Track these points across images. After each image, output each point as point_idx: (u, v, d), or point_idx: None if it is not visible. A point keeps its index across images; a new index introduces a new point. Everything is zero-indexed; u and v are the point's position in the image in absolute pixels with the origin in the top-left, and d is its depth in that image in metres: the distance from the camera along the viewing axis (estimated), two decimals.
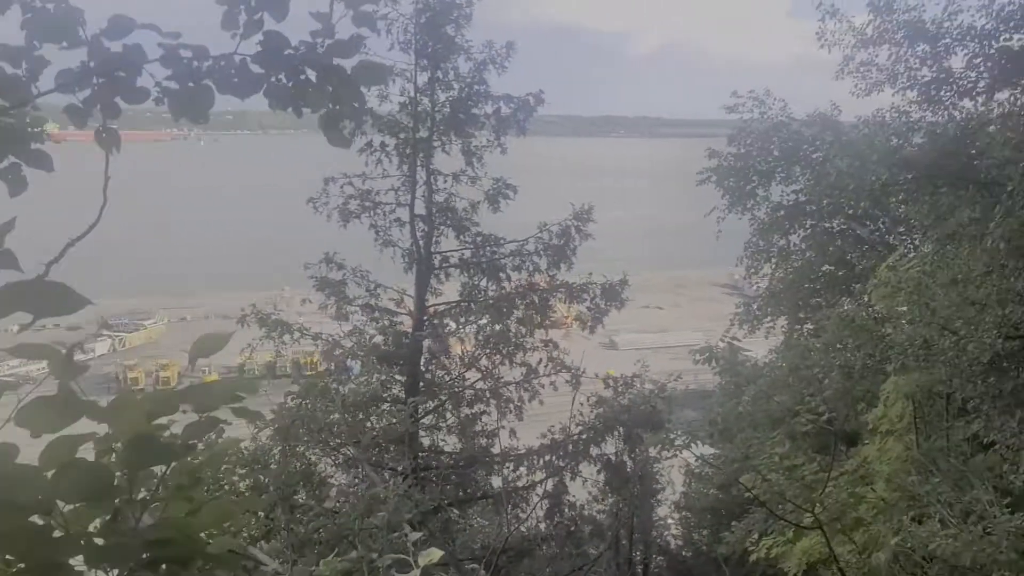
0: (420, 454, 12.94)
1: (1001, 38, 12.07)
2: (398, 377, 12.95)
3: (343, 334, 13.54)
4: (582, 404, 13.67)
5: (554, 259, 13.83)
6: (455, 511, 13.52)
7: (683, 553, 22.27)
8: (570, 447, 13.34)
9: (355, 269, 13.63)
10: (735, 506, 17.90)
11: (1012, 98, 11.96)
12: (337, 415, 11.05)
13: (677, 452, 16.56)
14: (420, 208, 13.05)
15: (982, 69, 12.35)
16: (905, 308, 12.85)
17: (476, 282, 13.85)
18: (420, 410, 13.24)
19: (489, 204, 13.19)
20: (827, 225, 29.65)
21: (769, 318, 33.78)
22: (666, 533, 22.73)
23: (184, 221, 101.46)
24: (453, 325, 13.35)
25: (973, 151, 12.04)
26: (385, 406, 12.80)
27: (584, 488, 14.39)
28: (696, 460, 18.89)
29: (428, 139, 12.82)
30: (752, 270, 33.82)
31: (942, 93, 12.96)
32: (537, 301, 13.56)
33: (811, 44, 14.76)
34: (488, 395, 13.41)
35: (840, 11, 13.67)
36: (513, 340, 13.88)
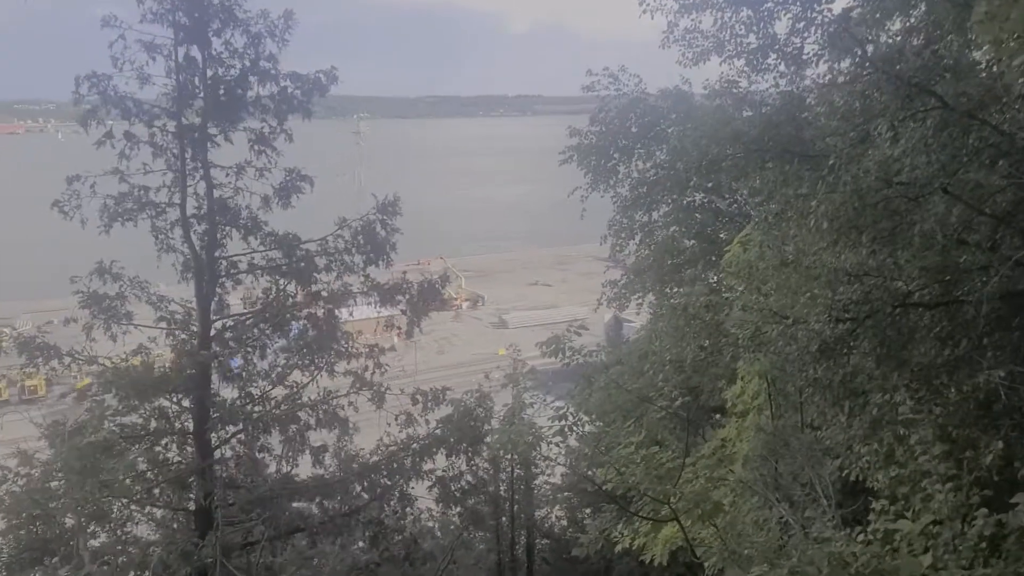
0: (216, 490, 11.27)
1: (823, 1, 11.36)
2: (184, 404, 11.20)
3: (125, 356, 11.70)
4: (389, 424, 12.34)
5: (371, 256, 12.36)
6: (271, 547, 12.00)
7: (568, 533, 21.52)
8: (395, 465, 11.97)
9: (134, 280, 11.73)
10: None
11: (837, 67, 11.23)
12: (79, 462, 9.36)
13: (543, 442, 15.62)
14: (193, 208, 11.21)
15: (806, 35, 11.64)
16: (740, 291, 12.18)
17: (282, 287, 12.21)
18: (215, 439, 11.58)
19: (279, 200, 11.53)
20: (688, 200, 29.29)
21: (638, 295, 33.42)
22: (551, 514, 21.84)
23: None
24: (258, 336, 11.66)
25: (799, 123, 11.35)
26: (166, 440, 11.08)
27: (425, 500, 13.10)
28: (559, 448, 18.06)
29: (202, 126, 11.00)
30: (617, 248, 33.35)
31: (768, 61, 12.23)
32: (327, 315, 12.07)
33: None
34: (285, 418, 11.86)
35: None
36: (335, 348, 12.37)
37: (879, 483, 9.46)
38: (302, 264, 11.85)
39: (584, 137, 32.60)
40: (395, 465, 11.88)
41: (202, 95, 10.98)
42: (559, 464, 17.06)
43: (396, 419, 12.38)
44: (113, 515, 11.02)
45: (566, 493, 21.97)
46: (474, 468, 13.05)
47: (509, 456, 16.98)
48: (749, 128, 11.25)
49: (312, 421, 12.21)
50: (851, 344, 10.05)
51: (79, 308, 11.22)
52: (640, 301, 33.05)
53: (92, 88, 10.27)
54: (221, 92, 10.86)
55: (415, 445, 11.64)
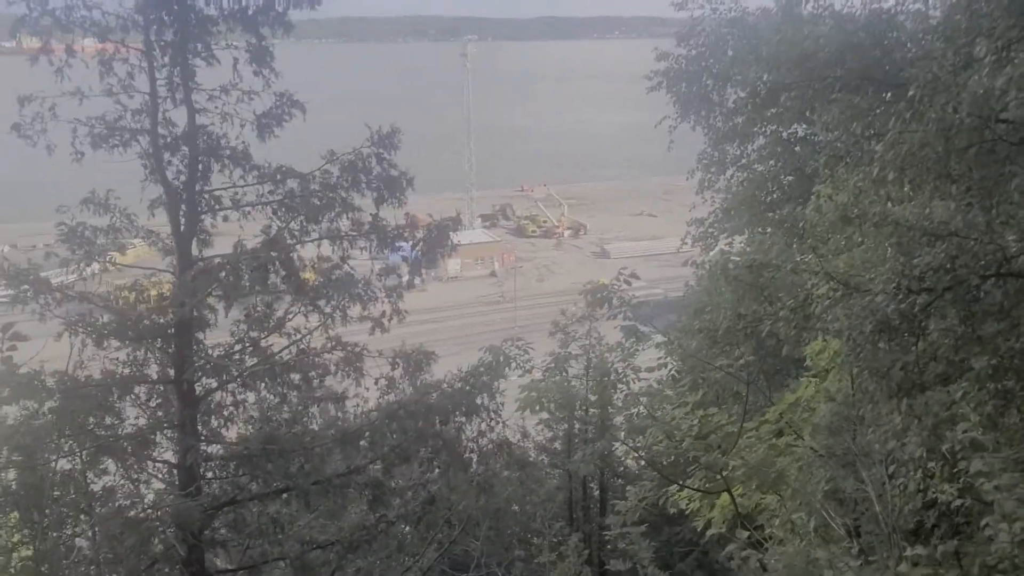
0: (202, 441, 10.50)
1: None
2: (167, 351, 10.35)
3: (120, 292, 10.96)
4: (367, 389, 11.17)
5: (382, 194, 11.04)
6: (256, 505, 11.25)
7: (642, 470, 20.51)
8: (394, 424, 10.87)
9: (124, 212, 10.85)
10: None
11: None
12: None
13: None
14: (169, 135, 10.11)
15: None
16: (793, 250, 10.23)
17: (287, 224, 11.10)
18: (198, 390, 10.74)
19: (257, 132, 10.28)
20: (787, 131, 26.51)
21: (726, 235, 31.03)
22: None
23: None
24: (250, 279, 10.61)
25: (887, 44, 9.14)
26: (140, 390, 10.32)
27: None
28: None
29: (179, 43, 9.79)
30: (706, 183, 30.87)
31: None
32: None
33: None
34: (288, 368, 10.86)
35: None
36: (350, 292, 11.24)
37: (945, 495, 7.69)
38: (297, 200, 10.64)
39: (674, 61, 29.90)
40: (395, 424, 10.74)
41: (185, 2, 9.74)
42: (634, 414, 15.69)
43: (376, 383, 11.21)
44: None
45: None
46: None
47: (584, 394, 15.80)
48: (819, 50, 9.13)
49: (326, 360, 11.16)
50: (922, 323, 8.09)
51: (58, 241, 10.43)
52: (729, 241, 30.72)
53: None
54: (196, 1, 9.60)
55: (401, 411, 10.42)
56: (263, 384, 10.43)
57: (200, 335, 10.73)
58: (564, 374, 15.16)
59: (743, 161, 29.69)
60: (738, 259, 12.28)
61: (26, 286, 10.36)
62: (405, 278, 13.78)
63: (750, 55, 22.12)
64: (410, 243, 11.11)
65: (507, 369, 15.15)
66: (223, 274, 9.64)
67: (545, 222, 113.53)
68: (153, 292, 11.25)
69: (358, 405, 12.69)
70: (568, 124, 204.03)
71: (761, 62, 18.25)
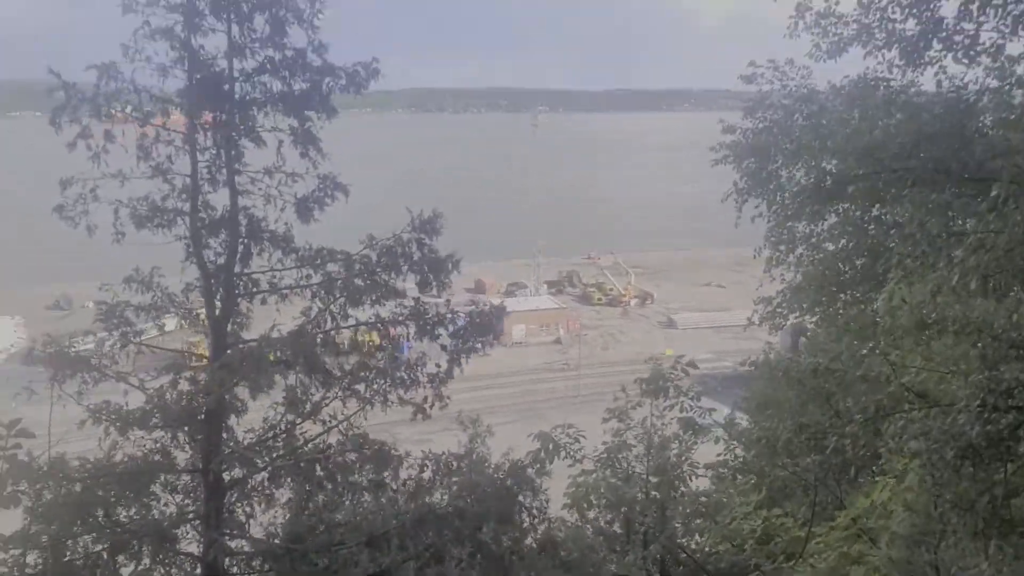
0: (226, 536, 10.03)
1: None
2: (195, 438, 10.00)
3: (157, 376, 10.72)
4: (400, 487, 10.58)
5: (426, 278, 10.67)
6: None
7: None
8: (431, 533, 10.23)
9: (166, 291, 10.71)
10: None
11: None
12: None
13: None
14: (210, 216, 9.96)
15: (983, 18, 8.62)
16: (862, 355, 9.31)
17: (327, 307, 10.79)
18: (226, 479, 10.33)
19: (297, 214, 10.05)
20: (860, 212, 25.49)
21: (795, 314, 29.78)
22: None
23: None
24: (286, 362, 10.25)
25: (965, 135, 8.39)
26: (163, 478, 9.96)
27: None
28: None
29: (226, 123, 9.71)
30: (774, 261, 29.79)
31: (930, 53, 9.26)
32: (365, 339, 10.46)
33: None
34: (328, 457, 10.39)
35: None
36: (392, 376, 10.83)
37: None
38: (338, 283, 10.33)
39: (741, 135, 29.29)
40: (427, 526, 10.10)
41: (227, 87, 9.69)
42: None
43: (404, 485, 10.62)
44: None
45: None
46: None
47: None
48: (890, 140, 8.45)
49: (349, 460, 10.66)
50: (1010, 446, 7.13)
51: (96, 321, 10.30)
52: (799, 321, 29.45)
53: (108, 80, 9.22)
54: (239, 85, 9.54)
55: (431, 515, 9.79)
56: (289, 479, 9.96)
57: (232, 421, 10.39)
58: (617, 467, 14.31)
59: (813, 240, 28.62)
60: (800, 361, 11.43)
61: (65, 363, 10.21)
62: (444, 367, 13.49)
63: (815, 140, 21.38)
64: (448, 331, 10.63)
65: (556, 458, 14.42)
66: (247, 364, 9.25)
67: (611, 290, 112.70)
68: (187, 375, 11.00)
69: (395, 493, 12.11)
70: (637, 193, 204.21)
71: (827, 152, 17.50)
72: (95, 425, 9.56)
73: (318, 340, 10.10)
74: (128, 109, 9.29)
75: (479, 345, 10.61)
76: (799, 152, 24.68)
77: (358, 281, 10.49)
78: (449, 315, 10.65)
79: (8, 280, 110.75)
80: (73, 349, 10.38)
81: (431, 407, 11.25)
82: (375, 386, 10.98)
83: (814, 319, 28.47)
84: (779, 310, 29.44)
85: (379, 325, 10.60)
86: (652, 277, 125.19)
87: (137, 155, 9.43)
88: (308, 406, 10.89)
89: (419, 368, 11.06)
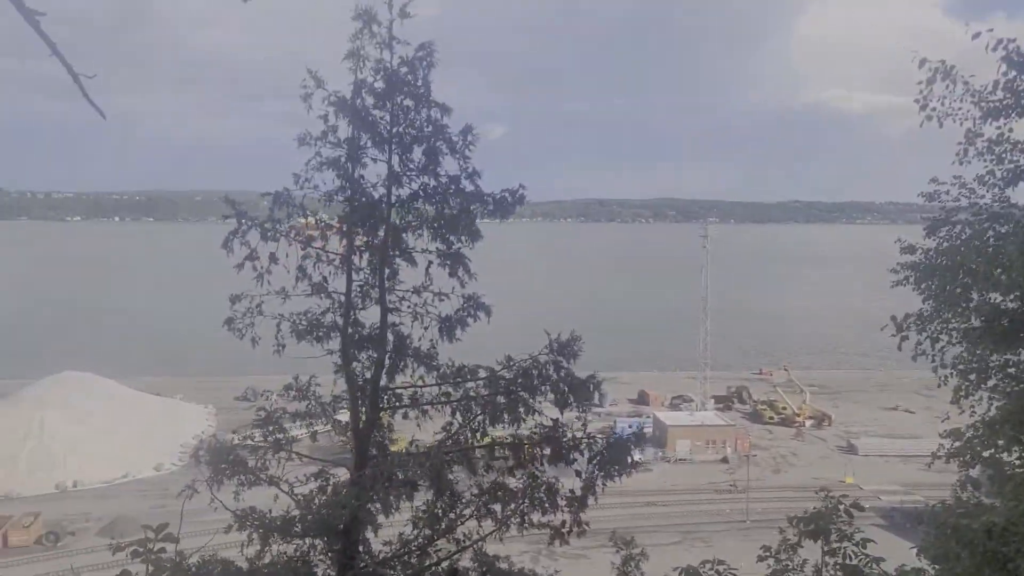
0: None
1: None
2: (320, 546, 10.18)
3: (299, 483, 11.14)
4: None
5: (564, 398, 10.58)
6: None
7: None
8: None
9: (319, 400, 11.26)
10: None
11: None
12: None
13: None
14: (360, 332, 10.44)
15: None
16: None
17: (467, 424, 10.91)
18: None
19: (441, 332, 10.31)
20: None
21: (990, 451, 26.84)
22: None
23: None
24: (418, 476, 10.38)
25: None
26: None
27: None
28: None
29: (381, 246, 10.30)
30: (963, 391, 27.20)
31: None
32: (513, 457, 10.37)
33: None
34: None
35: (955, 69, 9.58)
36: (531, 497, 10.72)
37: None
38: (479, 400, 10.44)
39: (924, 255, 27.49)
40: None
41: (384, 212, 10.32)
42: None
43: None
44: None
45: None
46: None
47: None
48: None
49: None
50: None
51: (254, 426, 10.94)
52: (996, 458, 26.46)
53: (280, 207, 10.11)
54: (395, 210, 10.13)
55: None
56: None
57: (369, 534, 10.53)
58: None
59: (1010, 370, 26.00)
60: (972, 514, 10.10)
61: (224, 465, 10.81)
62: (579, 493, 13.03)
63: (1015, 268, 19.65)
64: (584, 456, 10.38)
65: None
66: (378, 482, 9.41)
67: (784, 409, 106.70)
68: (332, 484, 11.32)
69: None
70: (814, 307, 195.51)
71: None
72: (240, 531, 9.97)
73: (452, 457, 10.14)
74: (292, 234, 10.07)
75: (616, 473, 10.25)
76: (991, 273, 22.79)
77: (498, 399, 10.54)
78: (586, 439, 10.42)
79: (206, 370, 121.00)
80: (231, 453, 10.99)
81: (569, 532, 10.92)
82: (512, 507, 10.82)
83: (1012, 458, 25.53)
84: (970, 446, 26.71)
85: (516, 445, 10.52)
86: (830, 397, 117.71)
87: (297, 275, 10.13)
88: (443, 524, 10.87)
89: (557, 491, 10.83)
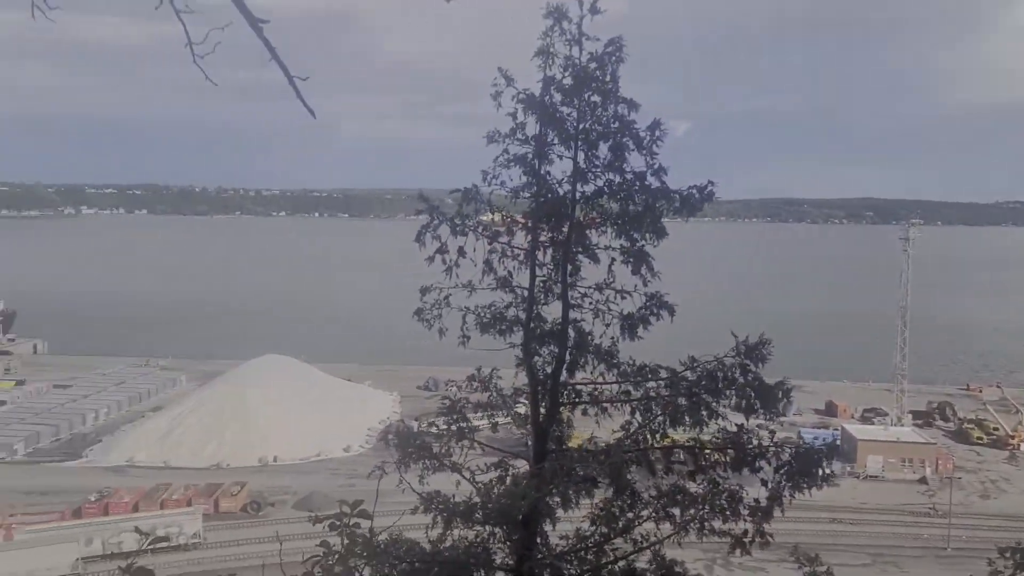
0: None
1: None
2: (499, 534, 10.35)
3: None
4: None
5: (752, 403, 10.19)
6: None
7: None
8: None
9: (500, 392, 11.53)
10: None
11: None
12: None
13: None
14: (541, 328, 10.52)
15: None
16: None
17: (647, 424, 10.78)
18: None
19: (623, 330, 10.18)
20: None
21: None
22: None
23: None
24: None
25: None
26: (482, 573, 10.33)
27: None
28: None
29: (565, 242, 10.34)
30: None
31: None
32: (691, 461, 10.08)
33: None
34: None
35: None
36: (711, 503, 10.50)
37: None
38: (659, 401, 10.26)
39: None
40: None
41: (568, 208, 10.37)
42: None
43: None
44: None
45: None
46: None
47: None
48: None
49: None
50: None
51: (438, 415, 11.35)
52: None
53: (468, 202, 10.41)
54: (579, 207, 10.15)
55: None
56: None
57: (547, 526, 10.63)
58: None
59: None
60: None
61: (411, 449, 11.32)
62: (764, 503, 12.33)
63: None
64: (771, 464, 9.92)
65: None
66: (558, 476, 9.45)
67: (996, 429, 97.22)
68: (512, 474, 11.52)
69: None
70: None
71: None
72: (425, 513, 10.37)
73: (631, 458, 10.02)
74: (480, 229, 10.34)
75: (805, 485, 9.71)
76: None
77: (680, 401, 10.31)
78: (774, 448, 9.95)
79: (392, 359, 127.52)
80: (418, 438, 11.47)
81: (751, 542, 10.51)
82: (691, 512, 10.55)
83: None
84: None
85: (697, 449, 10.24)
86: None
87: (483, 269, 10.39)
88: (621, 523, 10.77)
89: (740, 499, 10.44)
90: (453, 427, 11.20)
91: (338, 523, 8.28)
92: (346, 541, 8.56)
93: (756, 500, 10.04)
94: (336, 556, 8.63)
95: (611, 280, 10.49)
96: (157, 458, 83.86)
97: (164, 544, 50.47)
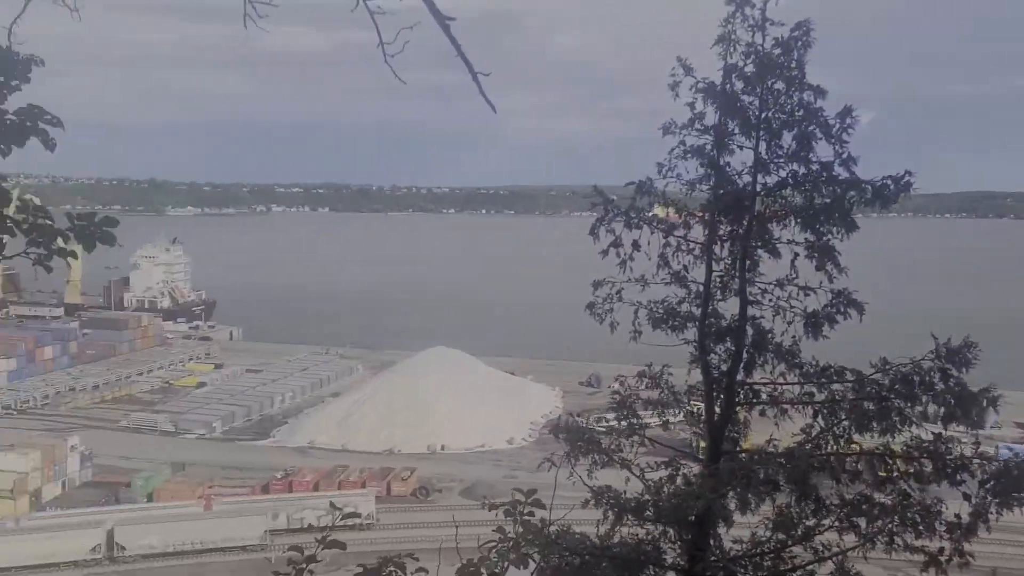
0: None
1: None
2: (670, 534, 10.13)
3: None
4: None
5: (952, 411, 9.44)
6: None
7: None
8: None
9: (672, 389, 11.31)
10: None
11: None
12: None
13: None
14: (718, 324, 10.16)
15: None
16: None
17: (830, 428, 10.24)
18: None
19: (806, 329, 9.65)
20: None
21: None
22: None
23: None
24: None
25: None
26: (651, 570, 10.15)
27: None
28: None
29: (744, 235, 9.96)
30: None
31: None
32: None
33: None
34: None
35: None
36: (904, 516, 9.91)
37: None
38: (844, 405, 9.70)
39: None
40: None
41: (748, 201, 10.00)
42: None
43: None
44: None
45: None
46: None
47: None
48: None
49: None
50: None
51: (608, 409, 11.30)
52: None
53: (643, 195, 10.29)
54: (760, 199, 9.74)
55: None
56: None
57: (720, 528, 10.33)
58: None
59: None
60: None
61: (580, 443, 11.35)
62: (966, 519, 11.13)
63: None
64: (976, 478, 9.11)
65: None
66: (736, 477, 9.12)
67: None
68: (684, 473, 11.29)
69: None
70: None
71: None
72: (595, 507, 10.34)
73: (814, 464, 9.52)
74: (655, 222, 10.17)
75: (1016, 502, 8.86)
76: None
77: (868, 405, 9.70)
78: (978, 460, 9.14)
79: (554, 353, 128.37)
80: (587, 433, 11.47)
81: (948, 561, 9.75)
82: (879, 523, 9.92)
83: None
84: None
85: (887, 457, 9.59)
86: None
87: (658, 263, 10.21)
88: (800, 530, 10.29)
89: (936, 514, 9.70)
90: (623, 423, 11.10)
91: (512, 510, 8.45)
92: (519, 529, 8.69)
93: (956, 516, 9.27)
94: (511, 542, 8.80)
95: (794, 276, 10.02)
96: (335, 441, 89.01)
97: (355, 520, 53.33)
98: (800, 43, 9.40)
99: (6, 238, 6.33)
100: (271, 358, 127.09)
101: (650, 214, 10.26)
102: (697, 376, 10.80)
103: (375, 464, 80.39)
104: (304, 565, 6.93)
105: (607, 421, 11.55)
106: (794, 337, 10.08)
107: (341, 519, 7.45)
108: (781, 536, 10.24)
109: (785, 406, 10.17)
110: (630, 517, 10.01)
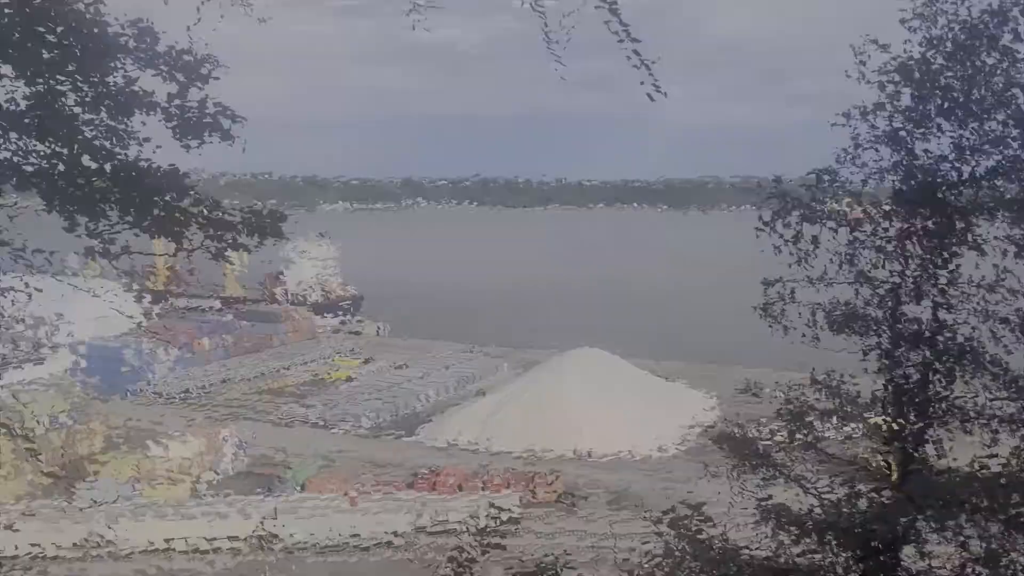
0: None
1: None
2: (851, 560, 9.14)
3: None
4: None
5: None
6: None
7: None
8: None
9: (850, 398, 10.29)
10: None
11: None
12: None
13: None
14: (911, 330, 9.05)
15: None
16: None
17: None
18: None
19: (1018, 337, 8.43)
20: None
21: None
22: None
23: None
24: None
25: None
26: None
27: None
28: None
29: (944, 230, 8.83)
30: None
31: None
32: None
33: None
34: None
35: None
36: None
37: None
38: None
39: None
40: None
41: (947, 192, 8.90)
42: None
43: None
44: None
45: None
46: None
47: None
48: None
49: None
50: None
51: (777, 420, 10.42)
52: None
53: (830, 184, 9.38)
54: (962, 190, 8.63)
55: None
56: None
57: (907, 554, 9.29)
58: None
59: None
60: None
61: (747, 454, 10.59)
62: None
63: None
64: None
65: None
66: (930, 499, 8.10)
67: None
68: (868, 493, 10.26)
69: None
70: None
71: None
72: (763, 524, 9.55)
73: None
74: (838, 216, 9.26)
75: None
76: None
77: None
78: None
79: (710, 358, 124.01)
80: (754, 444, 10.68)
81: None
82: None
83: None
84: None
85: None
86: None
87: (841, 260, 9.29)
88: (1003, 563, 9.08)
89: None
90: (796, 436, 10.22)
91: (677, 524, 7.89)
92: (683, 543, 8.13)
93: None
94: (673, 559, 8.23)
95: (1002, 277, 8.83)
96: (478, 440, 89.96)
97: (512, 526, 53.48)
98: (1015, 10, 8.25)
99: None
100: (417, 354, 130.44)
101: (834, 207, 9.34)
102: (879, 386, 9.77)
103: (518, 466, 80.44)
104: (466, 565, 6.78)
105: (775, 432, 10.68)
106: (1003, 346, 8.90)
107: (499, 523, 7.16)
108: (986, 571, 9.08)
109: (992, 424, 8.98)
110: (808, 540, 9.14)
